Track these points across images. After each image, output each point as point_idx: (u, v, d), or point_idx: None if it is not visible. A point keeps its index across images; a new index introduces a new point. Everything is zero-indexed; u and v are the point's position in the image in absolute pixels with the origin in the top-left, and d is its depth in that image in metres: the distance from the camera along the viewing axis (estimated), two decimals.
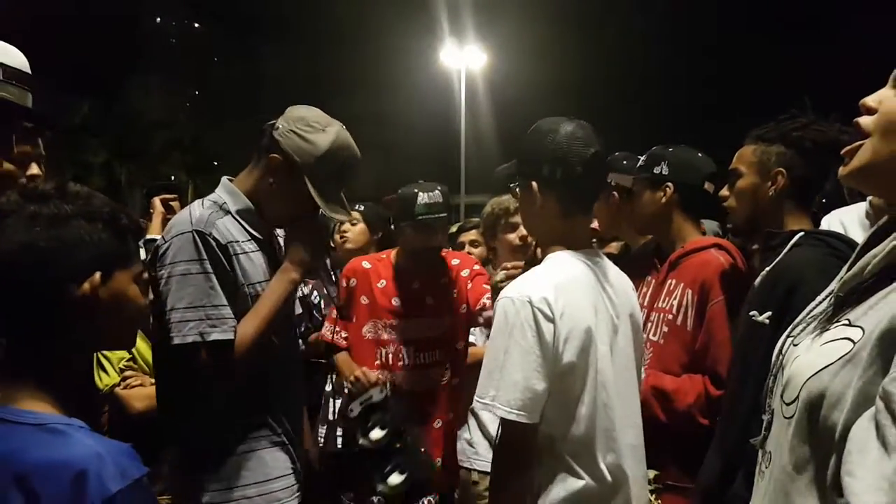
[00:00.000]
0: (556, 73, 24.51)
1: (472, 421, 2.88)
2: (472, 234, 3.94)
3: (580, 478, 1.57)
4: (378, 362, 2.45)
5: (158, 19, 22.63)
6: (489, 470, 2.41)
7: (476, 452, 2.84)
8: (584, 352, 1.54)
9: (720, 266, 2.00)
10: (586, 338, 1.53)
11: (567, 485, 1.56)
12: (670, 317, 2.04)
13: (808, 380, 1.00)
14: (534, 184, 1.61)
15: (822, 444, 0.93)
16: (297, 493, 1.87)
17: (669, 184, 2.15)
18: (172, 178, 19.23)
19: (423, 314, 2.53)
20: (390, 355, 2.45)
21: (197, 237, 1.67)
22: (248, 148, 1.96)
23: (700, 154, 2.23)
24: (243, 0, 22.40)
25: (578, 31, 26.17)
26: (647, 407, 1.90)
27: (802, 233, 1.69)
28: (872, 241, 1.10)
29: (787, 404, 1.05)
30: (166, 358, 1.79)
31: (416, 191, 2.49)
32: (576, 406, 1.54)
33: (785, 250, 1.68)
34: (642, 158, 2.26)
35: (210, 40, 22.43)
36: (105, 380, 2.37)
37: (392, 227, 2.56)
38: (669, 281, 2.09)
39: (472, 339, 2.88)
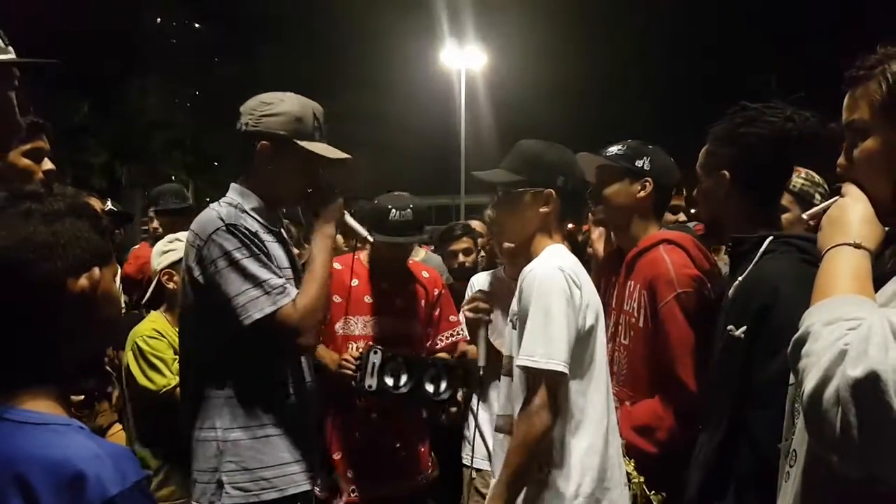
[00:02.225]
0: (557, 74, 24.48)
1: (470, 419, 2.88)
2: (464, 243, 3.90)
3: (590, 435, 1.76)
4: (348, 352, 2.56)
5: (158, 19, 22.59)
6: (487, 467, 2.42)
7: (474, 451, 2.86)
8: (598, 320, 1.82)
9: (664, 264, 2.00)
10: (598, 310, 1.82)
11: (580, 439, 1.75)
12: (633, 319, 2.06)
13: None
14: (552, 192, 1.88)
15: None
16: (311, 478, 1.99)
17: (649, 180, 2.14)
18: (173, 177, 19.20)
19: (393, 313, 2.66)
20: (359, 349, 2.54)
21: (231, 229, 1.84)
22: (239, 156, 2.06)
23: (671, 159, 2.26)
24: (243, 0, 22.35)
25: (579, 31, 26.15)
26: (634, 447, 1.91)
27: (771, 237, 1.65)
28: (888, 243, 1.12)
29: None
30: (204, 345, 1.93)
31: (388, 206, 2.55)
32: (590, 366, 1.79)
33: (756, 257, 1.64)
34: (618, 148, 2.22)
35: (210, 40, 22.38)
36: (161, 381, 2.38)
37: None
38: (629, 283, 2.11)
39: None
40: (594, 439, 1.77)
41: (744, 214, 1.75)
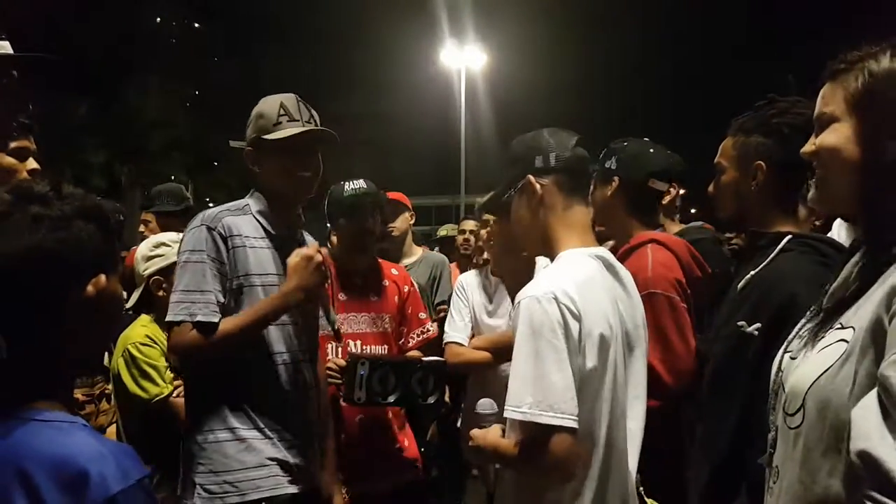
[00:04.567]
0: (556, 73, 24.50)
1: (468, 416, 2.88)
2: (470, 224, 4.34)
3: (595, 494, 1.45)
4: (329, 357, 2.57)
5: (158, 19, 22.59)
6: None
7: None
8: (604, 353, 1.47)
9: (646, 262, 2.00)
10: (605, 340, 1.47)
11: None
12: None
13: (811, 387, 1.02)
14: (530, 177, 1.61)
15: (837, 444, 0.93)
16: (287, 484, 1.97)
17: (616, 178, 2.17)
18: (172, 178, 19.20)
19: (369, 310, 2.68)
20: (339, 349, 2.56)
21: (204, 231, 1.91)
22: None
23: (651, 150, 2.22)
24: (243, 0, 22.36)
25: (578, 30, 26.16)
26: None
27: (790, 236, 1.63)
28: (852, 253, 1.12)
29: (791, 415, 1.06)
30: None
31: (342, 183, 2.69)
32: (594, 413, 1.46)
33: (773, 254, 1.61)
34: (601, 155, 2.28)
35: (210, 40, 22.38)
36: (154, 390, 2.32)
37: (329, 225, 2.76)
38: None
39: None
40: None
41: (771, 207, 1.72)
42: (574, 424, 1.37)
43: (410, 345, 2.81)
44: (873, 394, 0.86)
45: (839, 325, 1.04)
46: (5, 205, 0.99)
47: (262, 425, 1.95)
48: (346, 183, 2.67)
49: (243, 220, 2.00)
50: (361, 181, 2.68)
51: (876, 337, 0.92)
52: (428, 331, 2.86)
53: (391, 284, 2.78)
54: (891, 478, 0.78)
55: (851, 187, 1.06)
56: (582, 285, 1.47)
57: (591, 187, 2.24)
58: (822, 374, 1.00)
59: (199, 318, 1.86)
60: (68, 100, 17.96)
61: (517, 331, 1.45)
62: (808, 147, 1.14)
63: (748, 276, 1.63)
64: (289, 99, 2.07)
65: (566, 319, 1.41)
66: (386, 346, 2.67)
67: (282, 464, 1.96)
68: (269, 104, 2.07)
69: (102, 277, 1.02)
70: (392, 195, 3.86)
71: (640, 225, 2.20)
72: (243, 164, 2.08)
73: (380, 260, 2.88)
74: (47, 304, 0.99)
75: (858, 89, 1.05)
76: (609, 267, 1.60)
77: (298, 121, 2.04)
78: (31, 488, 0.89)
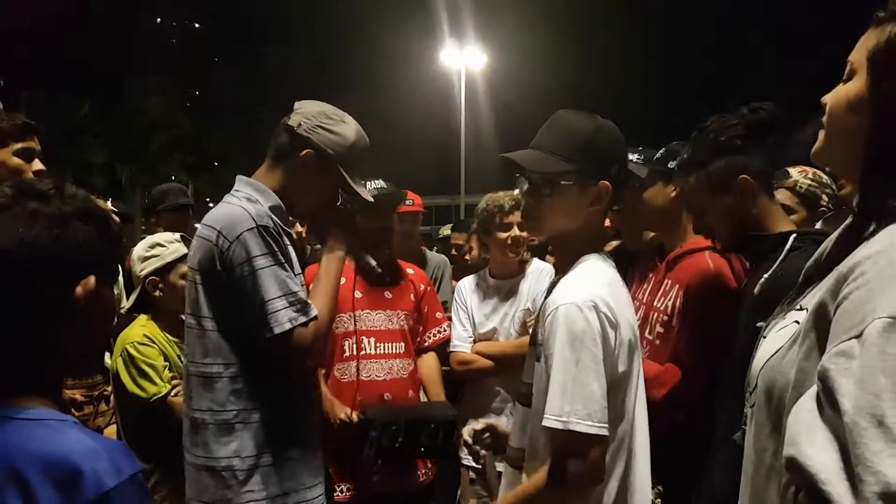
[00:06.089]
0: (556, 74, 24.49)
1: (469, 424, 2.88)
2: (461, 238, 4.14)
3: (619, 497, 1.47)
4: (346, 354, 2.55)
5: (158, 19, 22.60)
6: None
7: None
8: (631, 359, 1.50)
9: (707, 270, 1.97)
10: (633, 346, 1.50)
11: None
12: (665, 318, 2.03)
13: (762, 367, 1.03)
14: (607, 185, 1.55)
15: (779, 427, 0.94)
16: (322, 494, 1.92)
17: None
18: (173, 178, 19.21)
19: (384, 307, 2.64)
20: (354, 345, 2.54)
21: (263, 231, 1.74)
22: (250, 146, 2.00)
23: None
24: (243, 0, 22.39)
25: (578, 31, 26.16)
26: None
27: (795, 234, 1.61)
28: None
29: (749, 394, 1.08)
30: (218, 357, 1.78)
31: (362, 182, 2.63)
32: (623, 417, 1.49)
33: (783, 254, 1.58)
34: (661, 151, 2.21)
35: (210, 40, 22.40)
36: (152, 389, 2.30)
37: None
38: (666, 281, 2.08)
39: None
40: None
41: (765, 214, 1.69)
42: (606, 432, 1.41)
43: (427, 344, 2.80)
44: (809, 394, 0.84)
45: (798, 307, 1.03)
46: (5, 198, 0.97)
47: (316, 440, 1.89)
48: (366, 182, 2.64)
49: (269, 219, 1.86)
50: (381, 180, 2.67)
51: (817, 322, 0.89)
52: (444, 331, 2.86)
53: (407, 283, 2.77)
54: (813, 481, 0.76)
55: (852, 146, 1.00)
56: (613, 293, 1.49)
57: (644, 187, 2.15)
58: (772, 356, 1.00)
59: (301, 318, 1.74)
60: (69, 100, 17.99)
61: (555, 337, 1.43)
62: (825, 99, 1.08)
63: (763, 279, 1.58)
64: (368, 145, 2.00)
65: (605, 328, 1.43)
66: (403, 344, 2.66)
67: (325, 465, 1.94)
68: (359, 139, 1.95)
69: (91, 279, 1.01)
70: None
71: (691, 224, 2.15)
72: (243, 164, 2.03)
73: (398, 260, 2.88)
74: (36, 302, 0.97)
75: (880, 46, 0.99)
76: (616, 271, 1.61)
77: (365, 172, 2.02)
78: (25, 488, 0.88)
